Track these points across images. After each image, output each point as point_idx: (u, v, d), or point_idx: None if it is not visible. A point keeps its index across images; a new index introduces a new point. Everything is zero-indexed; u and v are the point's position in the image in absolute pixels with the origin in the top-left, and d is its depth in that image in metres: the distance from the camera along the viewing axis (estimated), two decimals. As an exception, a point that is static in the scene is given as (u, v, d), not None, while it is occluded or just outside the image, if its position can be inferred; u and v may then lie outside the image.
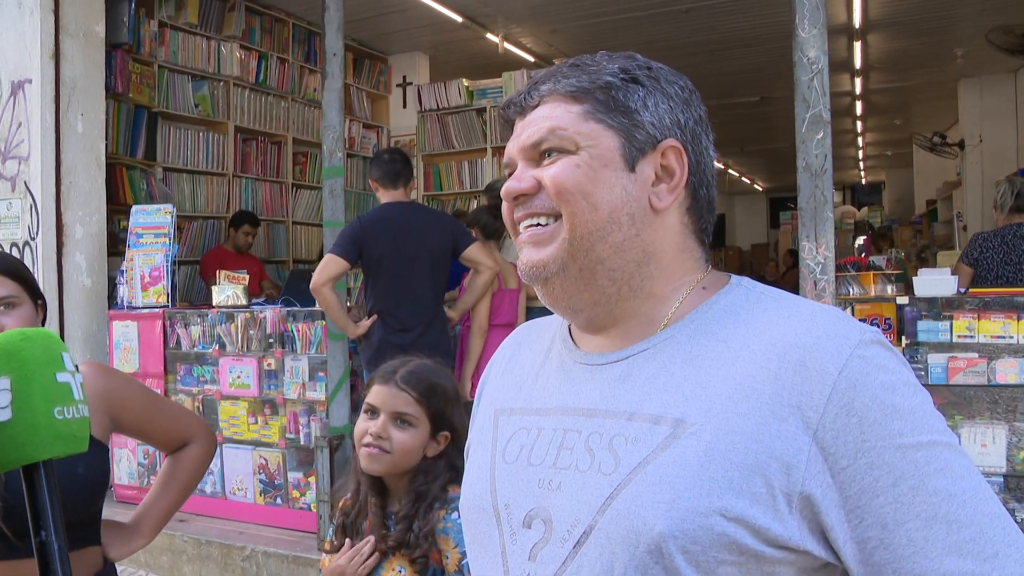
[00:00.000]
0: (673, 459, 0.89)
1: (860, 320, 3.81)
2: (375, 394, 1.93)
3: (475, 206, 7.02)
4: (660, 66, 1.02)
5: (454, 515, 1.86)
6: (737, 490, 0.85)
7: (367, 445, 1.89)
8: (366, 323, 4.27)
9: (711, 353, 0.93)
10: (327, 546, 2.02)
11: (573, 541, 0.92)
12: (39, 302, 1.85)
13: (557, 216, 0.98)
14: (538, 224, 0.99)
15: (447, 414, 1.94)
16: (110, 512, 1.97)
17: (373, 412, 1.93)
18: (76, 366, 0.89)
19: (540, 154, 0.99)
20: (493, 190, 5.32)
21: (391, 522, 1.91)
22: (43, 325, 1.88)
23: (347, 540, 1.94)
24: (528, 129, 1.00)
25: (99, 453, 1.85)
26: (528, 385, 1.08)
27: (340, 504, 2.03)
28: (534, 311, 5.62)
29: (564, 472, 0.95)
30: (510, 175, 1.03)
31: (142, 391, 2.02)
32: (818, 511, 0.85)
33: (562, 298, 1.01)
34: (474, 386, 4.59)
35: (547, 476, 0.97)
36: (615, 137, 0.97)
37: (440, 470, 1.92)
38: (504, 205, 1.03)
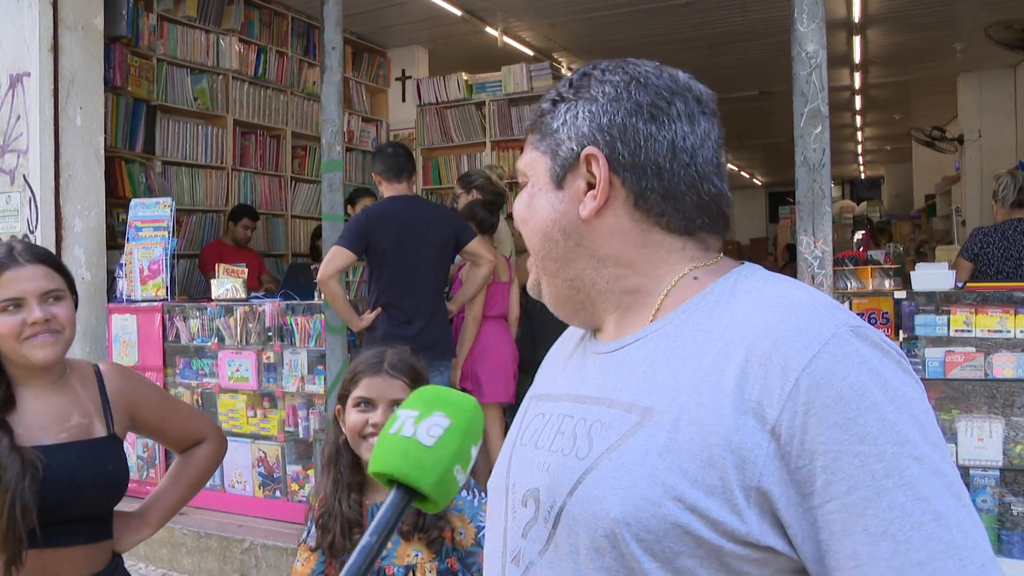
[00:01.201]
0: (635, 446, 0.90)
1: (858, 314, 3.83)
2: (367, 387, 1.95)
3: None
4: (606, 66, 1.03)
5: (463, 492, 1.90)
6: (692, 481, 0.85)
7: (370, 436, 1.91)
8: (369, 316, 4.28)
9: (692, 343, 0.93)
10: (304, 550, 1.98)
11: (552, 521, 0.95)
12: (73, 297, 1.98)
13: None
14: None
15: None
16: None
17: (368, 404, 1.94)
18: (475, 457, 0.99)
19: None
20: (469, 180, 5.31)
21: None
22: None
23: None
24: None
25: (121, 450, 1.95)
26: (556, 373, 1.13)
27: (318, 501, 2.01)
28: (537, 308, 5.63)
29: (553, 455, 0.99)
30: None
31: (158, 392, 2.13)
32: (776, 507, 0.84)
33: (553, 311, 1.09)
34: (464, 375, 4.65)
35: (543, 459, 1.00)
36: (545, 160, 1.03)
37: None
38: None
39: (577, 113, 1.00)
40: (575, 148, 0.99)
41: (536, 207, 1.03)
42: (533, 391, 1.16)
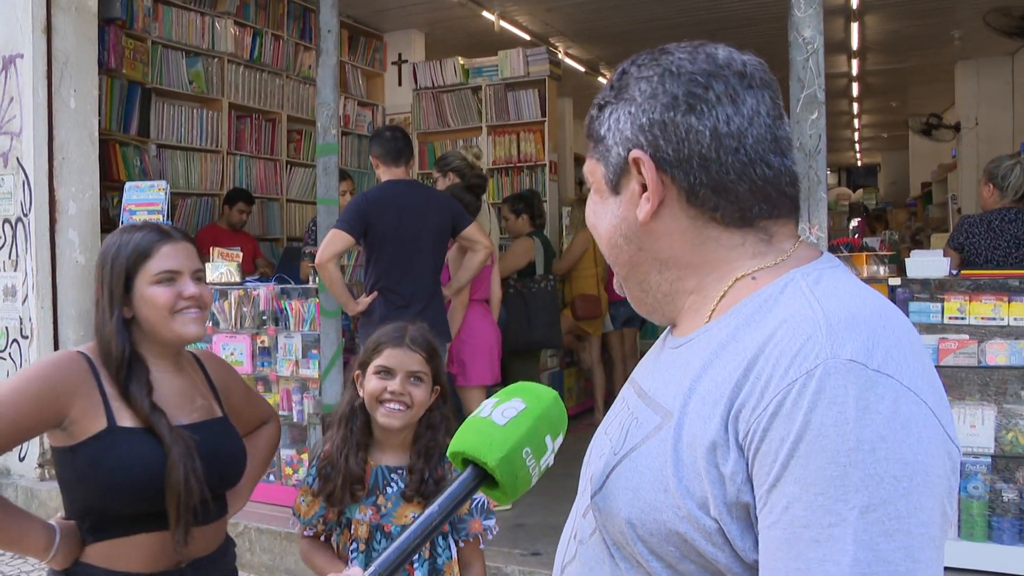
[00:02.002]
0: (649, 450, 0.91)
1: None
2: (389, 357, 2.11)
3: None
4: (641, 62, 0.99)
5: None
6: (686, 491, 0.85)
7: (387, 402, 2.08)
8: (366, 300, 4.28)
9: (723, 351, 0.91)
10: (308, 493, 2.15)
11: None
12: None
13: None
14: None
15: (440, 371, 2.18)
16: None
17: (388, 373, 2.10)
18: (554, 450, 1.00)
19: None
20: (446, 163, 5.30)
21: (395, 475, 2.11)
22: None
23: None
24: None
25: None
26: (645, 362, 1.14)
27: (323, 452, 2.17)
28: (531, 292, 5.63)
29: (610, 444, 1.02)
30: None
31: (240, 379, 2.21)
32: (754, 521, 0.83)
33: (636, 310, 1.09)
34: (449, 358, 4.66)
35: (604, 446, 1.03)
36: (601, 167, 1.02)
37: (438, 422, 2.15)
38: None
39: (619, 116, 0.98)
40: (622, 152, 0.98)
41: (599, 215, 1.04)
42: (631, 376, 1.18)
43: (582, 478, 1.08)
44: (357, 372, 2.17)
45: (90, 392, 1.77)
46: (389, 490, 2.09)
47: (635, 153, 0.96)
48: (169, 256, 1.85)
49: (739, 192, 0.94)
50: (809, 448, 0.77)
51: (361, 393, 2.14)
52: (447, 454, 0.98)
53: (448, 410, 2.21)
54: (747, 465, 0.82)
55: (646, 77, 0.97)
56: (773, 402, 0.80)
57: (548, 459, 0.98)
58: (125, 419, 1.76)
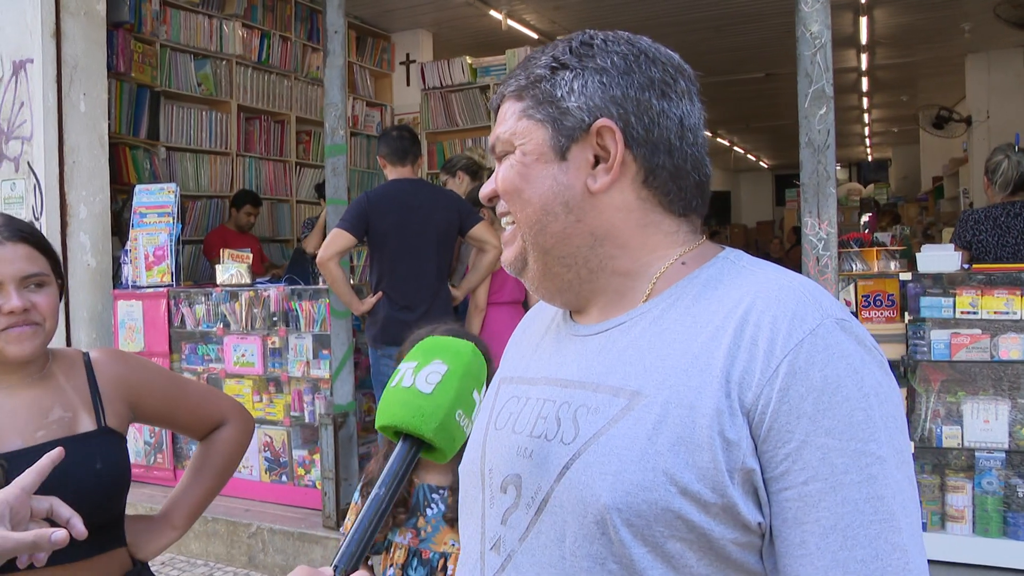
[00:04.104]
0: (623, 431, 0.89)
1: (863, 296, 3.81)
2: None
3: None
4: (606, 37, 0.99)
5: None
6: (682, 464, 0.85)
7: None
8: (371, 300, 4.28)
9: (679, 327, 0.93)
10: (354, 512, 2.07)
11: (535, 508, 0.95)
12: (59, 281, 1.73)
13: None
14: (508, 224, 1.04)
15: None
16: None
17: None
18: (479, 402, 0.99)
19: (499, 157, 1.04)
20: (452, 164, 5.29)
21: (436, 495, 1.98)
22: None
23: None
24: (492, 132, 1.06)
25: (117, 445, 1.70)
26: (528, 355, 1.11)
27: (366, 471, 2.08)
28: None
29: (536, 441, 0.98)
30: None
31: (163, 375, 1.89)
32: (756, 485, 0.85)
33: (532, 289, 1.05)
34: None
35: (524, 444, 0.99)
36: (543, 130, 0.98)
37: None
38: None
39: (586, 82, 0.96)
40: (586, 119, 0.95)
41: (533, 178, 0.98)
42: (502, 373, 1.14)
43: (484, 485, 1.03)
44: None
45: None
46: (429, 512, 1.96)
47: (604, 122, 0.95)
48: None
49: (689, 183, 0.99)
50: (832, 400, 0.83)
51: None
52: (376, 427, 0.94)
53: None
54: (752, 430, 0.85)
55: (619, 52, 0.97)
56: (785, 362, 0.84)
57: (476, 411, 0.97)
58: None
